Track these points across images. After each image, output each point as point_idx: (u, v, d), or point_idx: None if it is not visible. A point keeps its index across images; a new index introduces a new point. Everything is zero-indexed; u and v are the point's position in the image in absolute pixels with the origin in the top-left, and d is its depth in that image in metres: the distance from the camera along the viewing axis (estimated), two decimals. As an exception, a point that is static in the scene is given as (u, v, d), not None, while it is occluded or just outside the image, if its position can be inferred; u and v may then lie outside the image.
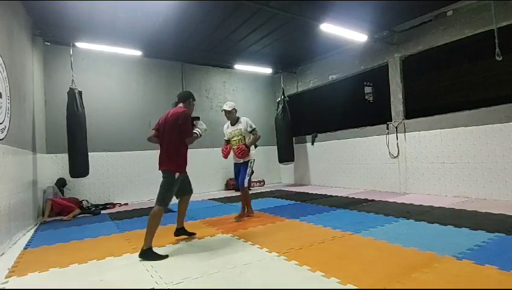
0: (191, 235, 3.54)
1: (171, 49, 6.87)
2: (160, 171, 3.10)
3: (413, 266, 2.29)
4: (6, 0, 3.82)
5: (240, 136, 4.27)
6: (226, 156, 4.35)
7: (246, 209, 4.46)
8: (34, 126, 5.12)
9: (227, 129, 4.45)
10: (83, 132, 5.44)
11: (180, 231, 3.52)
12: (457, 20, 5.18)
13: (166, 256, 2.81)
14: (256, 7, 5.08)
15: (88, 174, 5.61)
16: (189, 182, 3.50)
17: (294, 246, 2.92)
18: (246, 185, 4.23)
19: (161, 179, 3.09)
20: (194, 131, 3.15)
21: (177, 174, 3.02)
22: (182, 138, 3.04)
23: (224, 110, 4.30)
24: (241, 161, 4.27)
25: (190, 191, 3.58)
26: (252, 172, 4.38)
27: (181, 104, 3.23)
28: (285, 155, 8.12)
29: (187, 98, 3.26)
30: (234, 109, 4.34)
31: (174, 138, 3.04)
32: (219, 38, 6.51)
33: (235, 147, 4.25)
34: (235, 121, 4.34)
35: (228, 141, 4.46)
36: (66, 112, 5.32)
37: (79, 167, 5.38)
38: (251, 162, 4.27)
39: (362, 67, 6.87)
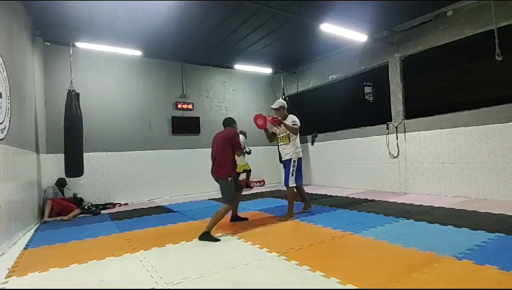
0: (244, 220, 4.23)
1: (171, 49, 6.87)
2: (214, 179, 3.83)
3: (413, 266, 2.29)
4: (6, 0, 3.82)
5: (284, 133, 4.29)
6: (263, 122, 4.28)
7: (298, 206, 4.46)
8: (37, 126, 5.12)
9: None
10: (79, 133, 5.40)
11: (235, 218, 4.22)
12: (457, 20, 5.18)
13: (219, 240, 3.35)
14: (256, 7, 5.08)
15: (83, 174, 5.54)
16: (238, 180, 4.12)
17: (294, 246, 2.92)
18: (290, 184, 4.18)
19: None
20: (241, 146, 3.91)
21: (229, 179, 3.68)
22: (233, 151, 3.80)
23: (272, 108, 4.40)
24: (285, 159, 4.29)
25: (240, 188, 4.09)
26: (298, 170, 4.26)
27: (228, 128, 3.97)
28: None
29: (231, 123, 4.02)
30: (281, 106, 4.34)
31: (226, 151, 3.75)
32: (219, 38, 6.51)
33: (280, 142, 4.38)
34: (284, 118, 4.31)
35: (274, 135, 4.49)
36: (64, 113, 5.31)
37: (74, 167, 5.34)
38: (294, 161, 4.21)
39: (362, 67, 6.87)
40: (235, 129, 4.03)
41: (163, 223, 4.35)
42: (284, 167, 4.35)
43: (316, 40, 6.62)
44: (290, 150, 4.24)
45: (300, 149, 4.35)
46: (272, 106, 4.42)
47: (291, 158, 4.22)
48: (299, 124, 4.28)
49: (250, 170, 7.97)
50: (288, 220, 4.11)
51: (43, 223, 4.83)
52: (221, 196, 3.84)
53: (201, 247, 3.14)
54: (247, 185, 8.08)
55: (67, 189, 6.01)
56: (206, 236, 3.38)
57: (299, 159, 4.28)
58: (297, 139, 4.30)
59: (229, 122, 4.03)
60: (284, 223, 3.98)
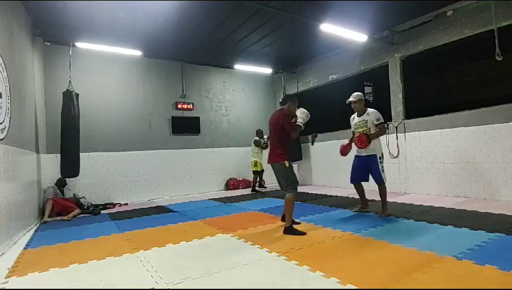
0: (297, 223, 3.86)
1: (171, 49, 6.87)
2: (268, 164, 3.70)
3: (413, 266, 2.29)
4: (6, 0, 3.82)
5: (364, 128, 4.03)
6: (342, 152, 4.28)
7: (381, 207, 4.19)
8: (37, 126, 5.12)
9: (353, 120, 4.27)
10: (76, 133, 5.39)
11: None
12: (457, 20, 5.18)
13: (305, 233, 3.33)
14: (256, 7, 5.08)
15: (78, 174, 5.51)
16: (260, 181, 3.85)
17: (294, 246, 2.92)
18: (385, 180, 4.02)
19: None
20: (296, 123, 3.56)
21: (286, 162, 3.50)
22: (286, 134, 3.55)
23: (350, 101, 4.17)
24: (364, 154, 4.06)
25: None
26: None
27: (284, 107, 3.73)
28: (293, 154, 8.08)
29: (286, 101, 3.75)
30: (360, 99, 4.12)
31: (278, 135, 3.59)
32: (219, 38, 6.51)
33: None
34: (362, 112, 4.12)
35: (354, 133, 4.26)
36: (61, 113, 5.30)
37: (70, 167, 5.33)
38: (380, 158, 3.98)
39: (362, 67, 6.87)
40: (291, 108, 3.67)
41: (163, 223, 4.34)
42: (361, 162, 4.10)
43: (316, 40, 6.62)
44: (374, 144, 3.95)
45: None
46: (350, 99, 4.17)
47: (375, 154, 3.96)
48: (383, 119, 3.98)
49: (263, 171, 7.81)
50: (385, 215, 4.02)
51: (43, 223, 4.82)
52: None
53: (201, 247, 3.13)
54: (261, 184, 7.95)
55: (67, 189, 6.01)
56: (289, 230, 3.40)
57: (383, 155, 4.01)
58: None
59: (283, 101, 3.80)
60: (284, 223, 3.95)
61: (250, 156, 7.68)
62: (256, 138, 7.66)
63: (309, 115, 3.62)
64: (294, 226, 3.55)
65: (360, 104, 4.12)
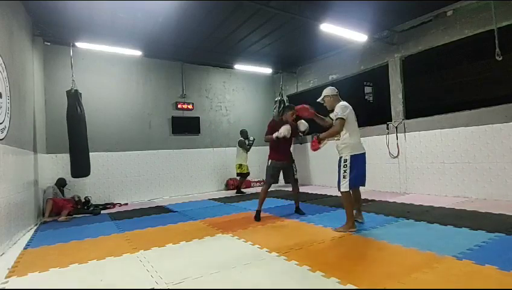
0: (303, 214, 4.41)
1: (171, 49, 6.87)
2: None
3: (413, 266, 2.29)
4: (6, 0, 3.82)
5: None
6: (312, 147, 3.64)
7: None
8: (35, 126, 5.12)
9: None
10: (84, 133, 5.43)
11: (297, 210, 4.52)
12: (457, 20, 5.18)
13: (259, 220, 4.15)
14: (256, 7, 5.08)
15: (89, 174, 5.59)
16: (293, 173, 4.39)
17: (294, 246, 2.92)
18: (341, 189, 3.33)
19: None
20: (274, 134, 4.18)
21: (269, 162, 4.35)
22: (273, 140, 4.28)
23: (321, 99, 3.71)
24: (339, 156, 3.47)
25: (295, 180, 4.41)
26: (355, 170, 3.33)
27: (282, 117, 4.43)
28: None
29: (283, 112, 4.49)
30: (327, 95, 3.59)
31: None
32: (219, 38, 6.51)
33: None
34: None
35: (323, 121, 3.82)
36: (67, 113, 5.30)
37: (81, 167, 5.37)
38: (345, 160, 3.33)
39: (362, 67, 6.87)
40: (285, 117, 4.30)
41: (163, 223, 4.35)
42: (338, 167, 3.46)
43: (316, 40, 6.62)
44: (341, 145, 3.41)
45: (356, 144, 3.38)
46: (318, 100, 3.72)
47: (341, 156, 3.39)
48: (342, 113, 3.31)
49: (248, 173, 7.50)
50: (347, 231, 3.30)
51: (43, 223, 4.82)
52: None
53: (202, 247, 3.14)
54: (239, 187, 7.43)
55: (67, 189, 6.01)
56: (256, 214, 4.23)
57: (356, 156, 3.33)
58: (352, 132, 3.37)
59: (282, 112, 4.48)
60: (284, 223, 3.97)
61: (236, 158, 7.49)
62: (241, 138, 7.54)
63: (289, 131, 4.10)
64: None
65: (330, 101, 3.58)
